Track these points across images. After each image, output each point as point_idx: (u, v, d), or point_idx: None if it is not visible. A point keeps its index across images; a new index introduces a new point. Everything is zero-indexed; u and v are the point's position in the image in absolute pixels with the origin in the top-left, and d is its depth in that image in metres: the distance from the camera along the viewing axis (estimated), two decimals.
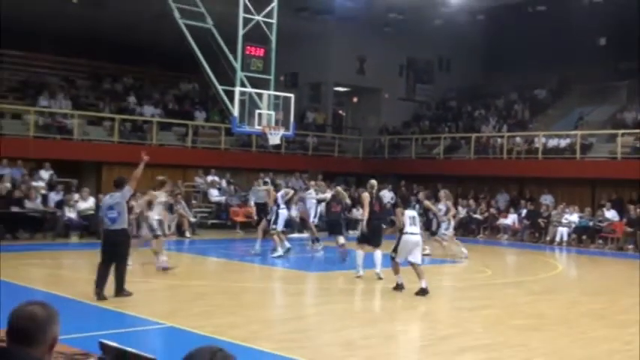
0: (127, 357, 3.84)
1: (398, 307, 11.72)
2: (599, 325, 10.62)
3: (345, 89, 36.43)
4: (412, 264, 12.52)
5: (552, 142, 28.25)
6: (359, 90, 36.14)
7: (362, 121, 35.69)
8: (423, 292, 12.16)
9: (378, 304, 11.87)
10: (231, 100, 21.43)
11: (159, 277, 13.89)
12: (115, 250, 11.14)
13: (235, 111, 21.42)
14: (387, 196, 29.43)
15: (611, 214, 24.20)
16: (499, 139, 29.67)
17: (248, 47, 22.33)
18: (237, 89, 21.50)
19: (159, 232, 14.63)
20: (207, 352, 2.60)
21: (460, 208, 27.83)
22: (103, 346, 4.00)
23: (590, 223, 24.47)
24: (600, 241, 24.21)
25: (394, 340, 9.02)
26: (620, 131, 26.79)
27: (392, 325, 10.01)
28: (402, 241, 12.49)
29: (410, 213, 12.76)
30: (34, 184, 21.48)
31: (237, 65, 21.87)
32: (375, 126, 34.90)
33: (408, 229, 12.49)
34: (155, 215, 14.79)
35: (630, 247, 23.26)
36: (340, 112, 37.33)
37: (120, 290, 11.09)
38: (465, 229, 26.66)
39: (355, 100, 37.47)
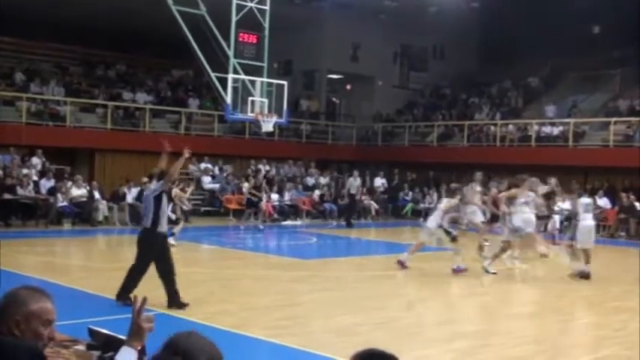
0: (115, 343, 3.85)
1: (390, 294, 11.75)
2: (590, 312, 10.68)
3: (338, 77, 36.36)
4: (585, 250, 13.35)
5: (545, 130, 28.28)
6: (353, 77, 36.07)
7: (356, 109, 35.65)
8: (585, 275, 13.18)
9: (372, 292, 11.89)
10: (225, 87, 21.39)
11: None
12: (138, 250, 9.94)
13: (228, 98, 21.39)
14: (380, 182, 29.56)
15: (603, 202, 24.26)
16: (492, 127, 29.68)
17: (241, 34, 22.27)
18: (231, 76, 21.46)
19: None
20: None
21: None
22: (92, 333, 4.00)
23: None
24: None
25: (386, 326, 9.05)
26: (613, 119, 26.86)
27: (385, 312, 10.04)
28: (581, 227, 13.30)
29: (584, 200, 13.91)
30: (26, 171, 21.42)
31: (231, 52, 21.82)
32: (369, 113, 34.87)
33: (583, 215, 13.43)
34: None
35: (622, 234, 23.33)
36: (334, 99, 37.28)
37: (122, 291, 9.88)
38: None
39: (349, 87, 37.40)
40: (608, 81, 30.94)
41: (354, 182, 26.02)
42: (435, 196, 28.35)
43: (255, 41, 22.76)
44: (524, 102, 32.28)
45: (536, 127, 28.30)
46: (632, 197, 23.50)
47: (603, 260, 19.27)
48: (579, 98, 30.25)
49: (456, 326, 9.22)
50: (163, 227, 9.79)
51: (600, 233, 23.64)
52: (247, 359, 7.55)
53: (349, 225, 24.24)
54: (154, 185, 10.09)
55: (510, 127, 29.30)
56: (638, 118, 26.40)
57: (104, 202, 21.94)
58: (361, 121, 34.47)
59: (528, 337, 8.75)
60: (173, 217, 15.78)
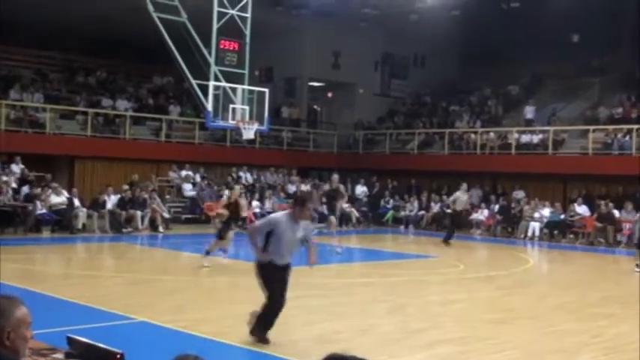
0: (94, 351, 3.83)
1: (370, 301, 11.75)
2: (569, 318, 10.74)
3: (320, 84, 36.44)
4: None
5: (525, 138, 28.47)
6: (334, 85, 36.16)
7: (337, 116, 35.72)
8: None
9: (351, 299, 11.89)
10: (206, 94, 21.37)
11: (131, 271, 13.83)
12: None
13: (209, 105, 21.38)
14: (360, 190, 29.63)
15: (581, 210, 24.47)
16: (473, 135, 29.84)
17: (222, 41, 22.28)
18: (212, 83, 21.46)
19: None
20: None
21: (433, 204, 28.06)
22: (71, 341, 3.98)
23: (562, 217, 24.74)
24: (571, 236, 24.49)
25: (366, 334, 9.06)
26: (592, 127, 27.10)
27: (364, 319, 10.05)
28: None
29: None
30: (5, 178, 21.26)
31: (212, 59, 21.81)
32: (350, 121, 34.95)
33: None
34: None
35: (601, 241, 23.52)
36: (315, 107, 37.34)
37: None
38: (439, 224, 26.87)
39: (330, 95, 37.48)
40: (587, 89, 31.21)
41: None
42: (416, 203, 28.50)
43: (236, 48, 22.77)
44: (505, 110, 32.49)
45: (516, 135, 28.49)
46: (610, 205, 23.70)
47: (582, 267, 19.45)
48: (559, 106, 30.50)
49: (436, 333, 9.25)
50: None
51: (579, 240, 23.92)
52: None
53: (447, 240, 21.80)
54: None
55: (491, 134, 29.47)
56: (616, 126, 26.65)
57: (84, 209, 21.81)
58: (342, 128, 34.54)
59: (508, 343, 8.79)
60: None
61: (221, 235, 15.26)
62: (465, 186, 22.47)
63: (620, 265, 20.24)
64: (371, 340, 8.69)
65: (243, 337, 8.41)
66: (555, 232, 24.71)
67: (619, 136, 26.05)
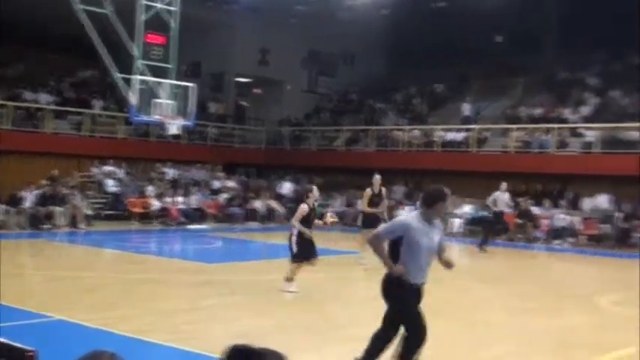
0: (4, 350, 3.70)
1: (291, 298, 11.76)
2: (488, 311, 10.95)
3: (248, 80, 36.28)
4: None
5: (450, 136, 28.96)
6: (262, 81, 36.06)
7: (264, 113, 35.63)
8: None
9: (274, 295, 11.87)
10: (130, 88, 21.01)
11: (49, 268, 13.50)
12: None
13: (134, 99, 21.03)
14: (287, 187, 29.61)
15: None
16: (398, 132, 30.20)
17: (148, 35, 21.97)
18: (137, 77, 21.11)
19: None
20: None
21: (359, 201, 28.24)
22: None
23: (484, 214, 25.24)
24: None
25: (286, 330, 9.06)
26: (514, 126, 27.75)
27: (285, 316, 10.05)
28: None
29: None
30: None
31: (137, 53, 21.46)
32: (278, 117, 34.91)
33: None
34: None
35: (520, 236, 24.09)
36: (243, 102, 37.16)
37: None
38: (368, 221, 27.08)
39: (258, 91, 37.37)
40: (510, 88, 31.89)
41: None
42: (343, 200, 28.65)
43: (162, 42, 22.48)
44: (430, 108, 32.96)
45: (441, 133, 28.95)
46: (529, 201, 24.34)
47: (504, 263, 19.90)
48: (483, 105, 31.10)
49: (357, 328, 9.30)
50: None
51: (501, 236, 24.45)
52: None
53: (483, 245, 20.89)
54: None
55: (416, 132, 29.87)
56: (536, 126, 27.35)
57: (2, 205, 21.18)
58: (270, 125, 34.48)
59: (428, 336, 8.89)
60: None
61: None
62: (504, 185, 21.35)
63: (537, 260, 20.80)
64: (292, 336, 8.69)
65: (163, 335, 8.30)
66: (478, 228, 25.20)
67: (539, 135, 26.76)
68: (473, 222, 25.30)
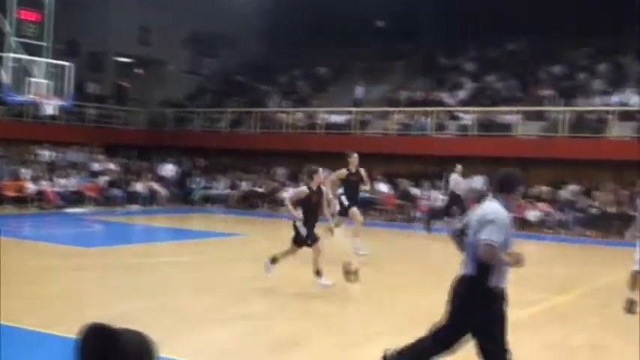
0: None
1: (176, 279, 11.65)
2: (369, 290, 11.20)
3: (129, 60, 35.43)
4: None
5: (333, 118, 29.31)
6: (143, 61, 35.29)
7: (146, 93, 34.91)
8: None
9: (156, 278, 11.72)
10: (2, 66, 20.15)
11: None
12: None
13: (6, 78, 20.20)
14: (169, 169, 29.20)
15: (383, 188, 25.61)
16: (282, 115, 30.31)
17: (22, 11, 21.11)
18: (9, 55, 20.27)
19: None
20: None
21: (244, 183, 28.23)
22: None
23: (365, 195, 25.73)
24: (375, 213, 25.53)
25: (169, 312, 8.98)
26: (394, 109, 28.36)
27: (168, 298, 9.95)
28: None
29: None
30: None
31: (9, 29, 20.58)
32: (160, 98, 34.30)
33: None
34: None
35: (400, 217, 24.72)
36: (124, 83, 36.26)
37: None
38: (248, 202, 27.12)
39: (139, 71, 36.55)
40: (391, 72, 32.52)
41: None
42: (226, 182, 28.53)
43: (37, 19, 21.64)
44: (313, 90, 33.21)
45: (324, 116, 29.27)
46: (408, 183, 25.06)
47: (382, 242, 20.37)
48: (355, 89, 31.42)
49: (240, 308, 9.33)
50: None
51: (383, 216, 25.02)
52: (21, 352, 7.16)
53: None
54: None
55: (299, 114, 30.06)
56: (416, 109, 28.06)
57: None
58: (152, 106, 33.83)
59: (304, 315, 9.03)
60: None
61: None
62: (459, 167, 20.88)
63: (415, 239, 21.42)
64: (173, 319, 8.62)
65: (35, 320, 8.06)
66: (360, 209, 25.65)
67: (418, 117, 27.51)
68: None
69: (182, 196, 28.25)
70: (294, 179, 27.90)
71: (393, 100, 29.97)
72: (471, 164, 25.56)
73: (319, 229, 11.07)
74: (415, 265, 14.64)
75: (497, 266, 5.25)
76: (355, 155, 14.95)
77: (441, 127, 27.01)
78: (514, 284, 9.32)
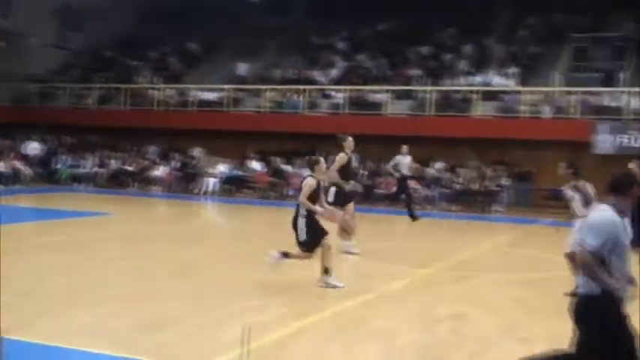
0: None
1: (40, 261, 11.25)
2: (241, 267, 11.23)
3: None
4: None
5: (205, 96, 28.99)
6: (4, 34, 33.53)
7: (8, 68, 33.22)
8: None
9: (20, 261, 11.27)
10: None
11: None
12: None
13: None
14: (33, 147, 28.08)
15: (256, 165, 25.66)
16: (153, 91, 29.73)
17: None
18: None
19: None
20: None
21: (113, 161, 27.54)
22: None
23: (239, 173, 25.76)
24: (248, 191, 25.54)
25: (31, 294, 8.67)
26: (267, 87, 28.37)
27: (29, 281, 9.60)
28: None
29: None
30: None
31: None
32: (24, 73, 32.76)
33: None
34: None
35: (273, 194, 24.83)
36: None
37: None
38: (117, 181, 26.53)
39: (1, 44, 34.73)
40: (264, 50, 32.42)
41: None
42: (94, 160, 27.72)
43: None
44: (186, 67, 32.68)
45: (196, 93, 28.93)
46: (280, 160, 25.30)
47: (256, 219, 20.45)
48: (238, 65, 31.29)
49: (108, 290, 9.15)
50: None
51: (256, 194, 25.07)
52: None
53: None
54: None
55: (171, 91, 29.59)
56: (289, 87, 28.20)
57: None
58: (15, 81, 32.26)
59: (173, 295, 8.96)
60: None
61: None
62: (405, 148, 18.89)
63: (288, 216, 21.59)
64: (39, 300, 8.35)
65: None
66: (232, 187, 25.64)
67: (290, 95, 27.69)
68: (227, 181, 25.67)
69: (47, 176, 27.22)
70: (164, 158, 27.52)
71: (266, 77, 29.96)
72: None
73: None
74: (287, 241, 14.76)
75: (620, 274, 4.90)
76: (350, 138, 12.93)
77: (313, 106, 27.28)
78: (380, 259, 9.60)
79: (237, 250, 13.29)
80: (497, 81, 26.26)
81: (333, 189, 12.52)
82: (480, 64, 27.65)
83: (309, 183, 9.77)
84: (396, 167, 19.01)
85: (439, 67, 28.00)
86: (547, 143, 23.41)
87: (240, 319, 7.26)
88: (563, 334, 5.33)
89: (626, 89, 24.29)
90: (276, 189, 24.97)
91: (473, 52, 28.54)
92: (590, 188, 9.45)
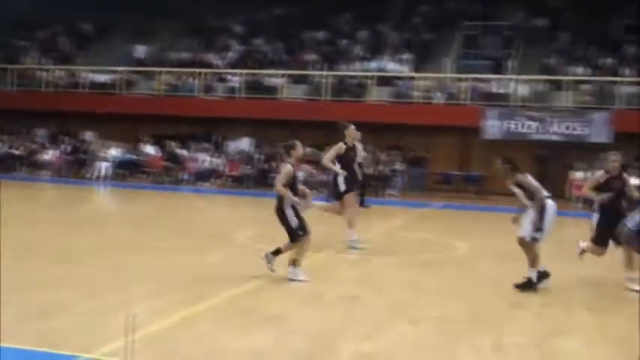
0: None
1: None
2: (131, 254, 11.00)
3: None
4: None
5: (97, 78, 28.24)
6: None
7: None
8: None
9: None
10: None
11: None
12: None
13: None
14: None
15: (150, 149, 25.21)
16: (42, 72, 28.73)
17: None
18: None
19: None
20: None
21: None
22: None
23: (132, 157, 25.26)
24: (142, 175, 25.07)
25: None
26: (162, 69, 27.88)
27: None
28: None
29: None
30: None
31: None
32: None
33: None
34: None
35: (167, 179, 24.46)
36: None
37: None
38: (3, 166, 25.56)
39: None
40: (159, 31, 31.75)
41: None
42: None
43: None
44: (77, 48, 31.67)
45: (87, 75, 28.14)
46: (175, 144, 25.00)
47: (150, 205, 20.11)
48: (135, 48, 30.46)
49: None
50: None
51: (150, 179, 24.66)
52: None
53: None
54: None
55: (60, 72, 28.67)
56: (184, 70, 27.78)
57: None
58: None
59: (64, 281, 8.72)
60: None
61: None
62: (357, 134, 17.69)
63: (182, 201, 21.36)
64: None
65: None
66: (125, 171, 25.11)
67: (186, 79, 27.32)
68: (121, 165, 25.13)
69: None
70: (54, 141, 26.68)
71: (161, 59, 29.41)
72: (240, 126, 25.93)
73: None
74: (177, 227, 14.59)
75: None
76: (353, 127, 12.49)
77: (209, 89, 27.00)
78: (272, 244, 9.61)
79: (130, 237, 13.03)
80: (392, 67, 26.69)
81: (340, 178, 12.19)
82: (375, 49, 28.01)
83: (286, 170, 9.07)
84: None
85: (335, 53, 28.20)
86: (439, 128, 24.00)
87: (132, 306, 7.13)
88: (454, 315, 5.49)
89: (514, 77, 25.17)
90: (171, 174, 24.62)
91: (368, 38, 28.88)
92: (530, 177, 9.22)
